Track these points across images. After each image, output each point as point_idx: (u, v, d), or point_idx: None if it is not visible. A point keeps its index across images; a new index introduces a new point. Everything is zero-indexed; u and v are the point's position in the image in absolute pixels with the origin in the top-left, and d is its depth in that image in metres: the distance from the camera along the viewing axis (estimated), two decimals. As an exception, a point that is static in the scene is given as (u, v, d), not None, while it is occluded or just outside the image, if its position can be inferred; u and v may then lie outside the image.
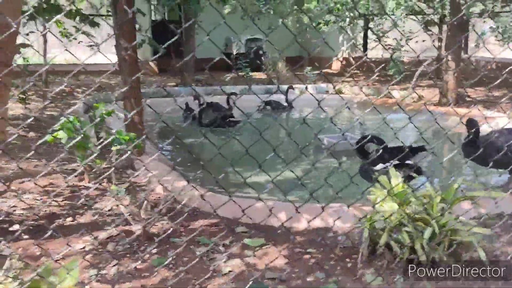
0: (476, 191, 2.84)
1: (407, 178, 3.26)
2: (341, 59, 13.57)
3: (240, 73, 11.73)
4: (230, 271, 2.73)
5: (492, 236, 3.24)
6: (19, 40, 7.28)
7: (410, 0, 6.80)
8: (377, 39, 12.64)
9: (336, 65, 13.61)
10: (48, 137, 3.80)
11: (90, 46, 6.75)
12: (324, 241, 3.15)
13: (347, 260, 2.87)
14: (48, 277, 1.84)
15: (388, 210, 2.73)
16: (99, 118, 4.04)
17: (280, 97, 9.65)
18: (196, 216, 3.60)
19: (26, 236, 3.09)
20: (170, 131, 7.94)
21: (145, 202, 3.30)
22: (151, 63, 12.63)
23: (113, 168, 3.67)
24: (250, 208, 3.25)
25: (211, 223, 3.47)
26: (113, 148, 3.65)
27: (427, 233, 2.53)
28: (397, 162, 3.62)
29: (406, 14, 7.01)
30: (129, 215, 3.20)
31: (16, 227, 3.25)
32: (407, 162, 3.70)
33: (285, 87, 10.02)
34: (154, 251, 2.92)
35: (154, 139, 8.06)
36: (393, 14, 7.09)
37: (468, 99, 8.43)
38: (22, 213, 3.52)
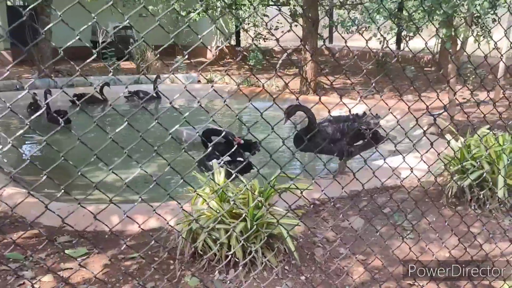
0: (297, 182, 2.93)
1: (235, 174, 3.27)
2: (214, 48, 13.56)
3: (106, 63, 11.12)
4: (36, 289, 2.49)
5: (316, 223, 3.43)
6: None
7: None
8: (249, 29, 12.88)
9: (209, 55, 13.56)
10: None
11: None
12: (153, 243, 3.04)
13: (171, 262, 2.80)
14: None
15: (208, 208, 2.70)
16: None
17: (148, 87, 9.37)
18: (16, 227, 3.26)
19: None
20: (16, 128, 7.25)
21: None
22: (4, 53, 11.37)
23: None
24: (79, 213, 3.04)
25: (33, 234, 3.16)
26: None
27: (239, 227, 2.55)
28: (228, 158, 3.63)
29: (266, 4, 7.16)
30: None
31: None
32: (238, 158, 3.74)
33: (153, 76, 9.75)
34: None
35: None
36: (251, 4, 7.19)
37: (327, 87, 8.94)
38: None
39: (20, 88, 9.01)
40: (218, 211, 2.70)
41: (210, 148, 3.44)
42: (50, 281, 2.58)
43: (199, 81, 10.93)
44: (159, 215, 2.71)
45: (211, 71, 11.50)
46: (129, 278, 2.62)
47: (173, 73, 8.27)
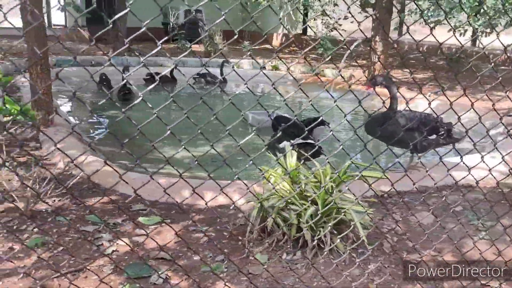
0: (365, 171, 2.88)
1: (307, 157, 3.26)
2: (280, 35, 13.53)
3: (177, 45, 11.45)
4: (114, 251, 2.63)
5: (385, 214, 3.36)
6: None
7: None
8: (316, 18, 12.72)
9: (275, 41, 13.56)
10: None
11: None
12: (220, 219, 3.12)
13: (240, 238, 2.85)
14: None
15: (280, 189, 2.72)
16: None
17: (215, 71, 9.56)
18: (94, 193, 3.45)
19: None
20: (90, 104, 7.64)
21: (35, 177, 3.12)
22: (82, 31, 11.99)
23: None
24: (153, 184, 3.17)
25: (109, 200, 3.33)
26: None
27: (310, 211, 2.55)
28: (300, 140, 3.62)
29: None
30: (14, 191, 3.01)
31: None
32: (309, 141, 3.72)
33: (220, 61, 9.90)
34: (36, 230, 2.76)
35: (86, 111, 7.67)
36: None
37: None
38: None
39: (95, 64, 9.51)
40: (289, 192, 2.71)
41: (280, 132, 3.44)
42: (125, 244, 2.71)
43: (263, 68, 10.97)
44: (226, 194, 2.75)
45: (277, 58, 11.49)
46: (199, 249, 2.71)
47: (251, 58, 8.32)
